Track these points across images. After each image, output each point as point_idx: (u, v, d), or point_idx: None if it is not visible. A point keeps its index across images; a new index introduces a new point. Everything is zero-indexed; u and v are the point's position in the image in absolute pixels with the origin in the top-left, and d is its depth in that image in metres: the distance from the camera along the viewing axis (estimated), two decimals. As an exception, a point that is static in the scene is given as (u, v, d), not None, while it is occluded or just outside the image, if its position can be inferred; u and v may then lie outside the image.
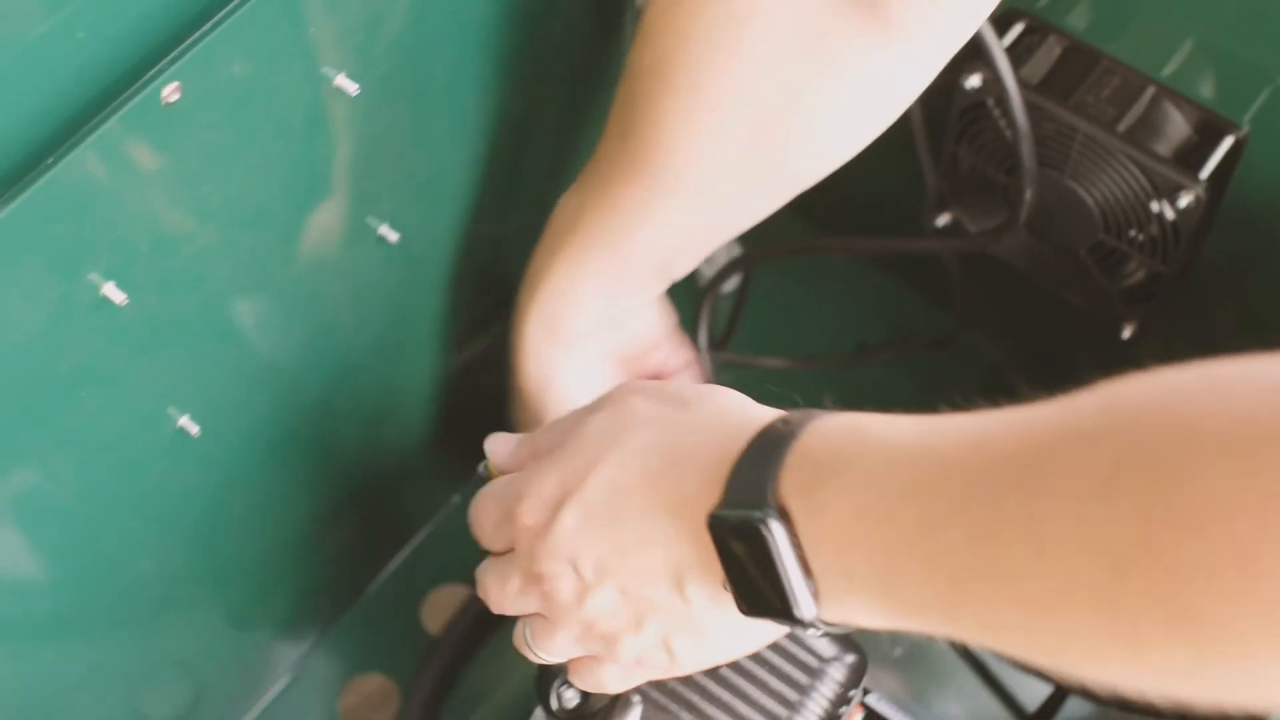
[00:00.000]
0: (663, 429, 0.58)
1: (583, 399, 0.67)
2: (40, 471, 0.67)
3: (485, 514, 0.63)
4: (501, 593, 0.63)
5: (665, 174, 0.72)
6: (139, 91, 0.59)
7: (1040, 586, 0.45)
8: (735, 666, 0.70)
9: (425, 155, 0.77)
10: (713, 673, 0.70)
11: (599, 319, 0.77)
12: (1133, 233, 0.84)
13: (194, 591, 0.83)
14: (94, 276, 0.62)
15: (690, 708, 0.69)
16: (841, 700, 0.71)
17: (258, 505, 0.83)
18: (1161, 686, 0.44)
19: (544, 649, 0.63)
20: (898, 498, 0.49)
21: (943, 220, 0.93)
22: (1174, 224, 0.81)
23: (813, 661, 0.71)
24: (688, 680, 0.69)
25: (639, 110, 0.72)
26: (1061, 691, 0.95)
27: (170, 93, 0.60)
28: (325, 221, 0.74)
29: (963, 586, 0.47)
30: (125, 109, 0.58)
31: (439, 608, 0.99)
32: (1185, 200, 0.80)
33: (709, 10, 0.69)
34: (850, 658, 0.71)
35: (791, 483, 0.52)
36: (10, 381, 0.62)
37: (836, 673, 0.71)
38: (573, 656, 0.64)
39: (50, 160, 0.58)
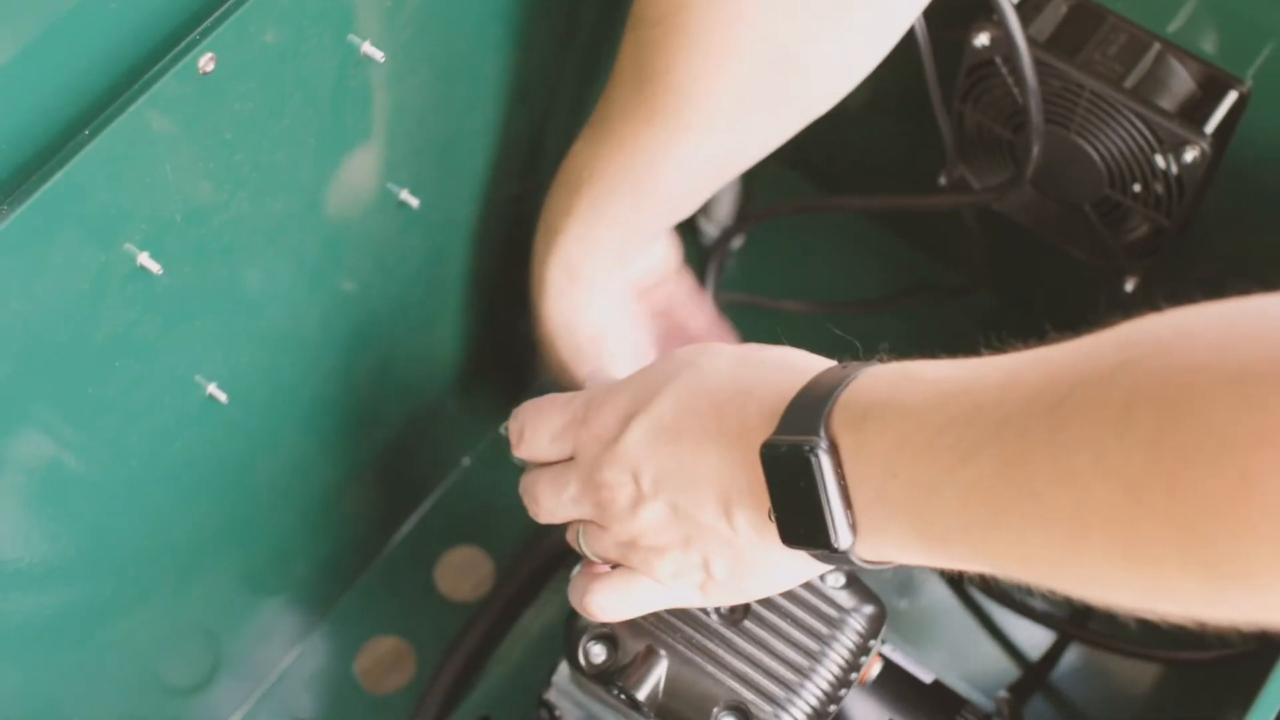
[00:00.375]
0: (732, 363, 0.62)
1: (609, 333, 0.75)
2: (74, 441, 0.67)
3: (546, 422, 0.66)
4: (555, 499, 0.66)
5: (681, 117, 0.73)
6: (175, 62, 0.59)
7: (1064, 513, 0.47)
8: (757, 618, 0.71)
9: (445, 121, 0.78)
10: (735, 625, 0.71)
11: (617, 259, 0.80)
12: (1137, 187, 0.85)
13: (217, 558, 0.84)
14: (130, 247, 0.63)
15: (714, 659, 0.71)
16: (862, 650, 0.72)
17: (281, 471, 0.84)
18: (1180, 609, 0.47)
19: (595, 549, 0.66)
20: (936, 430, 0.52)
21: (948, 178, 0.94)
22: (1178, 178, 0.83)
23: (833, 612, 0.72)
24: (710, 632, 0.71)
25: (651, 57, 0.73)
26: (1062, 641, 0.97)
27: (206, 63, 0.60)
28: (348, 188, 0.74)
29: (993, 513, 0.50)
30: (163, 80, 0.59)
31: (452, 570, 1.00)
32: (1190, 155, 0.81)
33: None
34: (869, 608, 0.73)
35: (841, 418, 0.55)
36: (48, 351, 0.62)
37: (856, 623, 0.72)
38: (617, 561, 0.66)
39: (88, 132, 0.58)
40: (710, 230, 1.05)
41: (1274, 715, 0.62)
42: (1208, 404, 0.43)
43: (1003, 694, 0.88)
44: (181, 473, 0.76)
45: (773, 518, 0.58)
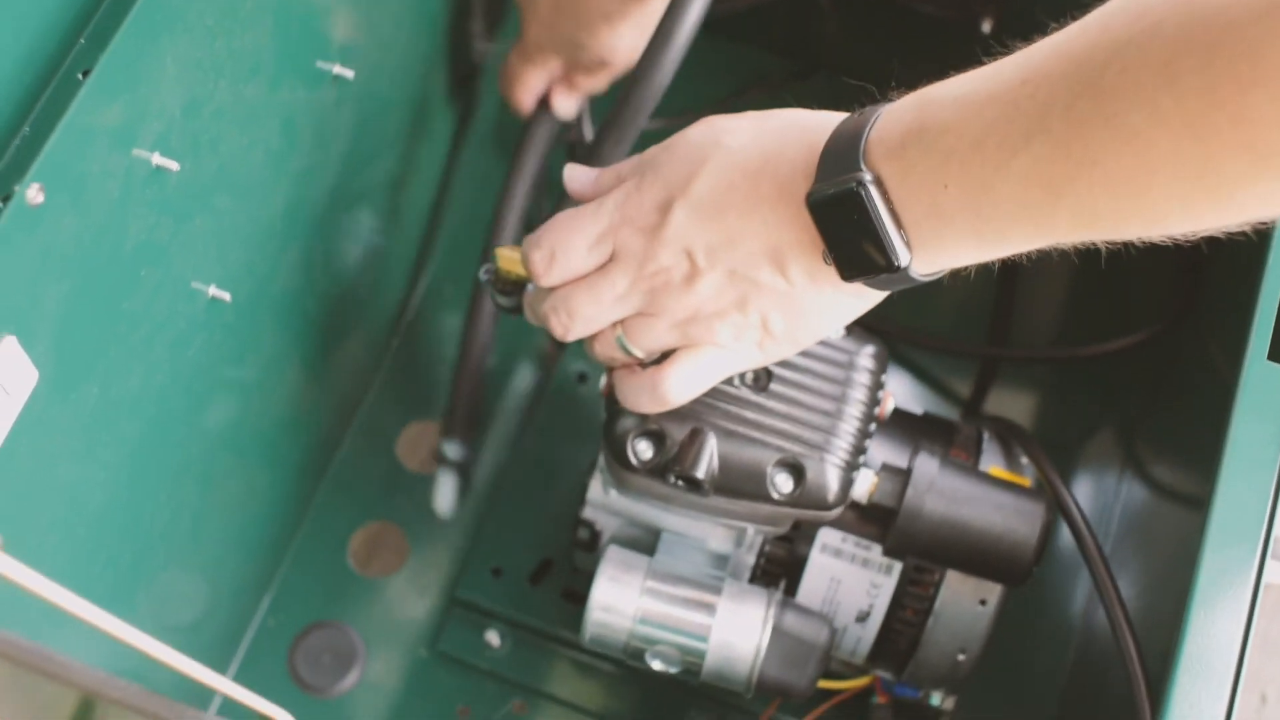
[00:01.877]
0: (752, 135, 0.66)
1: None
2: (115, 358, 0.67)
3: (579, 234, 0.69)
4: (597, 304, 0.69)
5: None
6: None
7: (1128, 169, 0.54)
8: (781, 380, 0.76)
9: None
10: (763, 391, 0.76)
11: None
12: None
13: (221, 466, 0.85)
14: (140, 151, 0.63)
15: (754, 426, 0.75)
16: (876, 385, 0.78)
17: (265, 368, 0.85)
18: (1245, 217, 0.54)
19: (643, 342, 0.70)
20: (977, 137, 0.57)
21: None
22: (1025, -87, 0.89)
23: (843, 358, 0.78)
24: (744, 403, 0.75)
25: None
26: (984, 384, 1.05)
27: (191, -53, 0.61)
28: (295, 65, 0.75)
29: (1054, 192, 0.56)
30: (162, -31, 0.59)
31: (408, 443, 1.02)
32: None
33: None
34: (872, 347, 0.79)
35: (878, 153, 0.61)
36: (95, 267, 0.62)
37: (866, 362, 0.78)
38: (669, 346, 0.70)
39: (83, 40, 0.59)
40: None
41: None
42: (1250, 39, 0.50)
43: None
44: (194, 382, 0.76)
45: (829, 259, 0.63)
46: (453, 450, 1.00)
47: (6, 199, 0.57)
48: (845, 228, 0.62)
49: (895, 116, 0.61)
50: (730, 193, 0.65)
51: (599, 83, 0.96)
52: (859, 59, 1.09)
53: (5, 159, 0.58)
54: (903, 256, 0.62)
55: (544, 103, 0.97)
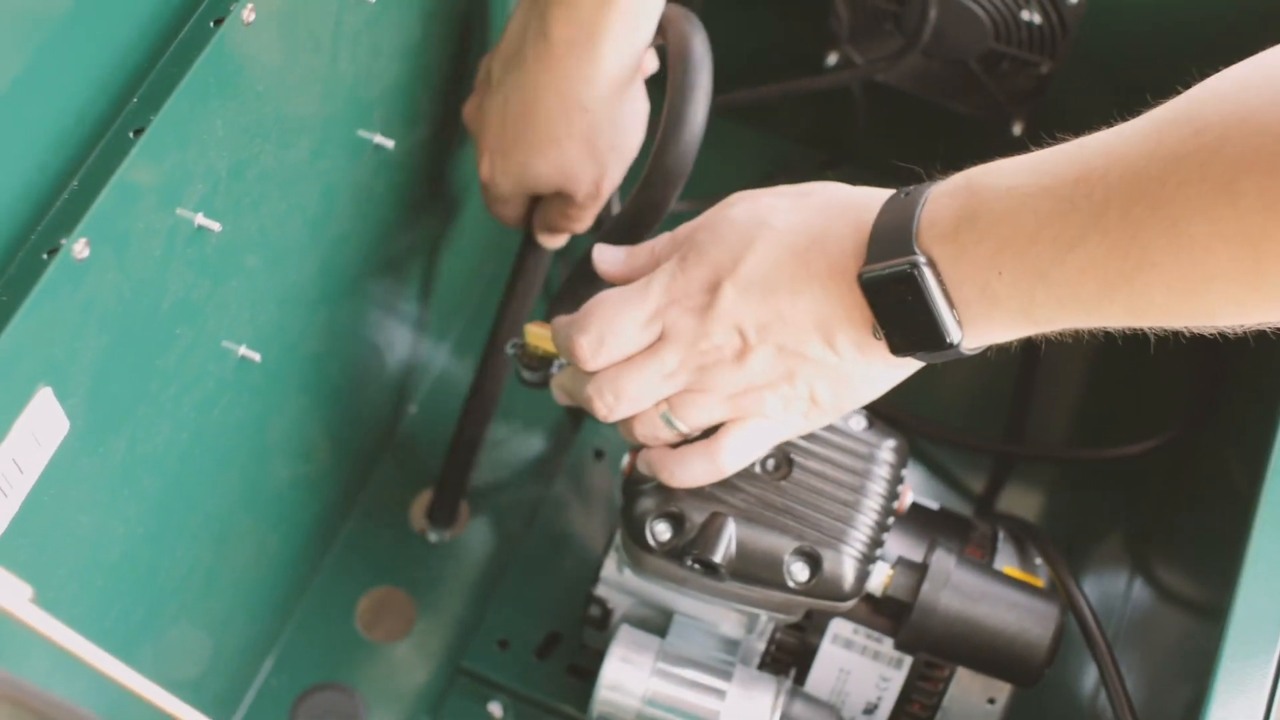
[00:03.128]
0: (797, 213, 0.68)
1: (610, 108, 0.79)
2: (143, 415, 0.68)
3: (628, 316, 0.70)
4: (644, 383, 0.70)
5: None
6: (226, 12, 0.61)
7: (1184, 274, 0.56)
8: (801, 469, 0.77)
9: (413, 65, 0.80)
10: (784, 479, 0.76)
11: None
12: (1021, 36, 0.93)
13: (237, 525, 0.85)
14: (184, 211, 0.64)
15: (773, 512, 0.76)
16: (896, 480, 0.79)
17: (285, 430, 0.85)
18: None
19: (693, 418, 0.71)
20: (1033, 231, 0.59)
21: (833, 59, 1.00)
22: (1061, 20, 0.91)
23: (864, 450, 0.78)
24: (764, 489, 0.76)
25: None
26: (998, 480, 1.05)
27: (248, 13, 0.62)
28: (337, 133, 0.76)
29: (1108, 287, 0.58)
30: (219, 32, 0.60)
31: (423, 510, 1.03)
32: (1073, -3, 0.89)
33: None
34: (893, 442, 0.79)
35: (930, 235, 0.63)
36: (132, 323, 0.63)
37: (886, 456, 0.78)
38: (718, 420, 0.71)
39: (136, 100, 0.60)
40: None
41: None
42: None
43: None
44: (216, 441, 0.76)
45: (879, 334, 0.65)
46: (435, 536, 1.00)
47: (52, 253, 0.57)
48: (898, 306, 0.64)
49: (944, 200, 0.63)
50: (779, 271, 0.67)
51: (574, 223, 0.89)
52: (887, 152, 1.11)
53: (53, 213, 0.59)
54: (954, 334, 0.64)
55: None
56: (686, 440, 0.73)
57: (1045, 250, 0.59)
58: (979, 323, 0.63)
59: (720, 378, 0.69)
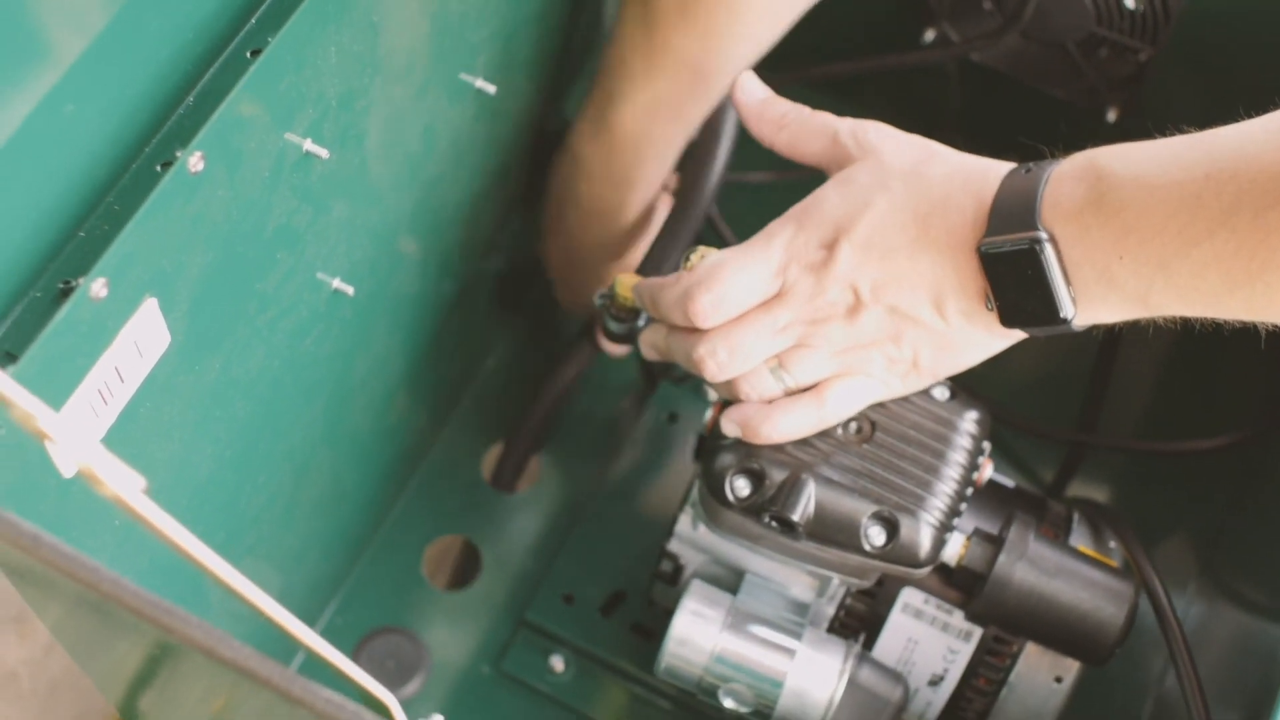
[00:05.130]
0: (918, 179, 0.69)
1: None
2: (241, 337, 0.69)
3: (747, 275, 0.70)
4: (758, 339, 0.71)
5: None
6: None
7: None
8: (884, 432, 0.77)
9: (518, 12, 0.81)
10: (865, 442, 0.76)
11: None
12: (1123, 21, 0.92)
13: (319, 461, 0.86)
14: (293, 135, 0.65)
15: (853, 476, 0.76)
16: (977, 451, 0.78)
17: (370, 368, 0.86)
18: None
19: (803, 372, 0.72)
20: (1159, 222, 0.60)
21: (930, 36, 1.00)
22: (1164, 6, 0.90)
23: (948, 419, 0.78)
24: (845, 453, 0.76)
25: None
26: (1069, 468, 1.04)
27: (369, -56, 0.63)
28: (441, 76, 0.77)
29: (1232, 283, 0.59)
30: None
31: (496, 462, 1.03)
32: (1178, -20, 0.89)
33: None
34: (976, 414, 0.79)
35: (1053, 214, 0.64)
36: (238, 242, 0.64)
37: (969, 427, 0.78)
38: (826, 375, 0.73)
39: (264, 21, 0.60)
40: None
41: None
42: None
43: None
44: (305, 372, 0.77)
45: (992, 305, 0.66)
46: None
47: (166, 165, 0.58)
48: (1016, 280, 0.65)
49: (1069, 181, 0.64)
50: (900, 234, 0.68)
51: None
52: (980, 131, 1.11)
53: (168, 127, 0.60)
54: (1068, 311, 0.65)
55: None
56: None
57: (1170, 242, 0.59)
58: (1094, 303, 0.64)
59: (831, 334, 0.70)
